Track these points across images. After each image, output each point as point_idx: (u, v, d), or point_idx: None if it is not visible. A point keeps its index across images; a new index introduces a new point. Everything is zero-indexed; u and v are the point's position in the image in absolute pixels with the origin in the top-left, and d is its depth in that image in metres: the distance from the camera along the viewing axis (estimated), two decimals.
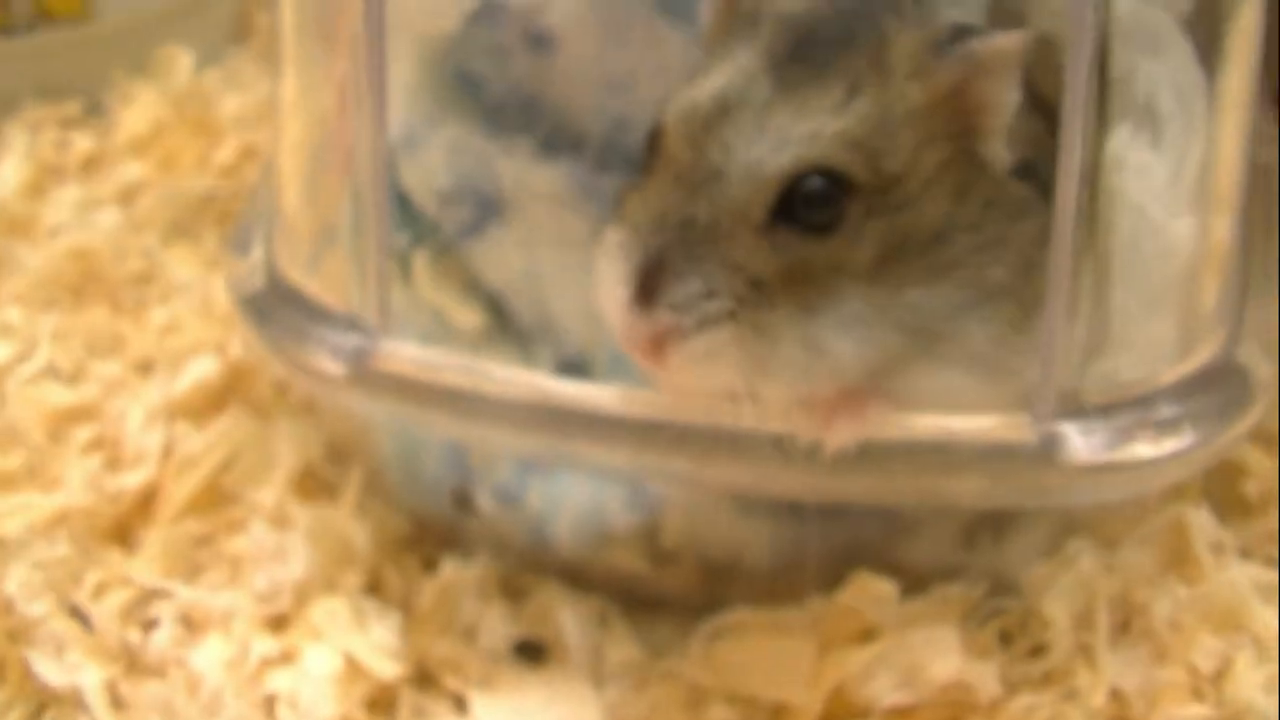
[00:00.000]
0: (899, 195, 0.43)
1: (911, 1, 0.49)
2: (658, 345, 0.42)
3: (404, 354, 0.49)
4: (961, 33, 0.45)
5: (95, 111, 0.85)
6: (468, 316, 0.53)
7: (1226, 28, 0.49)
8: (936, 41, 0.44)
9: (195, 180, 0.77)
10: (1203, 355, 0.48)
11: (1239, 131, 0.50)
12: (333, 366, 0.49)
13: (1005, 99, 0.44)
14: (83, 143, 0.82)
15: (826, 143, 0.42)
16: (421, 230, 0.54)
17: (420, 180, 0.53)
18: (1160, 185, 0.47)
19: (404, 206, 0.53)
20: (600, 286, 0.43)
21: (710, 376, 0.43)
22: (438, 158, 0.53)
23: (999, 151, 0.45)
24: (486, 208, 0.53)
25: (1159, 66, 0.48)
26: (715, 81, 0.44)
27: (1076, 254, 0.44)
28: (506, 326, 0.53)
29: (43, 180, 0.80)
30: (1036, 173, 0.46)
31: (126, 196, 0.77)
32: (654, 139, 0.45)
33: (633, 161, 0.51)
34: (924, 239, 0.44)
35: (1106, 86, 0.45)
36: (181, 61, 0.85)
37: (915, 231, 0.44)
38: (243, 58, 0.90)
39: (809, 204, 0.43)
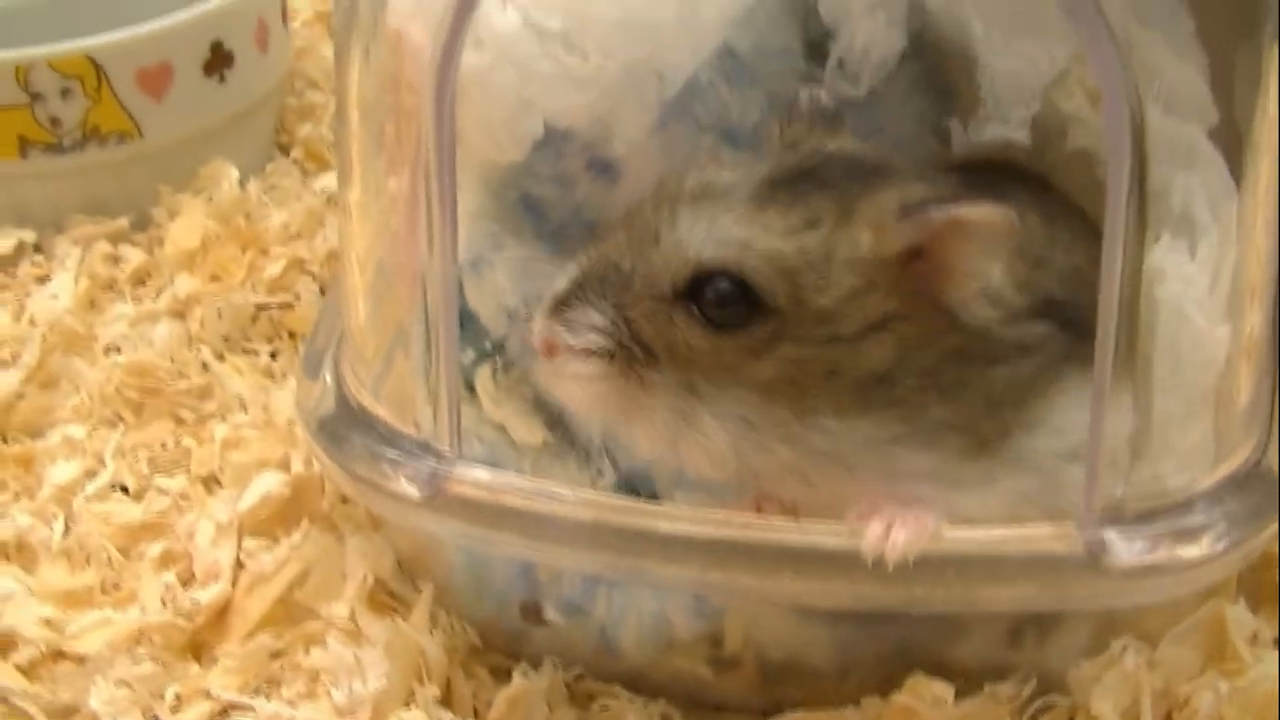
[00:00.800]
0: (827, 331, 0.46)
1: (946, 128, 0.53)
2: (548, 352, 0.47)
3: (477, 478, 0.51)
4: (933, 199, 0.46)
5: (143, 226, 0.88)
6: (531, 432, 0.55)
7: (1251, 133, 0.51)
8: (905, 203, 0.46)
9: (246, 293, 0.80)
10: (1236, 460, 0.50)
11: (1268, 236, 0.52)
12: (408, 491, 0.51)
13: (973, 266, 0.45)
14: (133, 257, 0.85)
15: (752, 255, 0.45)
16: (485, 348, 0.56)
17: (486, 300, 0.55)
18: (1201, 294, 0.49)
19: (467, 325, 0.55)
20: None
21: (583, 400, 0.48)
22: (503, 278, 0.55)
23: (975, 309, 0.46)
24: None
25: (1193, 178, 0.51)
26: (718, 173, 0.48)
27: (1119, 368, 0.46)
28: (569, 441, 0.56)
29: (96, 295, 0.83)
30: (1062, 308, 0.48)
31: (179, 310, 0.80)
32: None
33: None
34: (859, 376, 0.46)
35: (1145, 200, 0.46)
36: (227, 176, 0.87)
37: (847, 368, 0.46)
38: (284, 168, 0.93)
39: (714, 300, 0.46)
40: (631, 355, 0.47)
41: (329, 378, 0.57)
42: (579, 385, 0.48)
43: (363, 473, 0.53)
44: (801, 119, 0.49)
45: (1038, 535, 0.48)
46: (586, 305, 0.47)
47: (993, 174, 0.52)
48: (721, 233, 0.46)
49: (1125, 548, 0.47)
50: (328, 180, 0.89)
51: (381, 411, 0.54)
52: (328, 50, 1.07)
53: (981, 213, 0.45)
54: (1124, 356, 0.46)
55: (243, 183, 0.88)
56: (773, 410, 0.46)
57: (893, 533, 0.46)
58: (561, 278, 0.48)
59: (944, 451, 0.47)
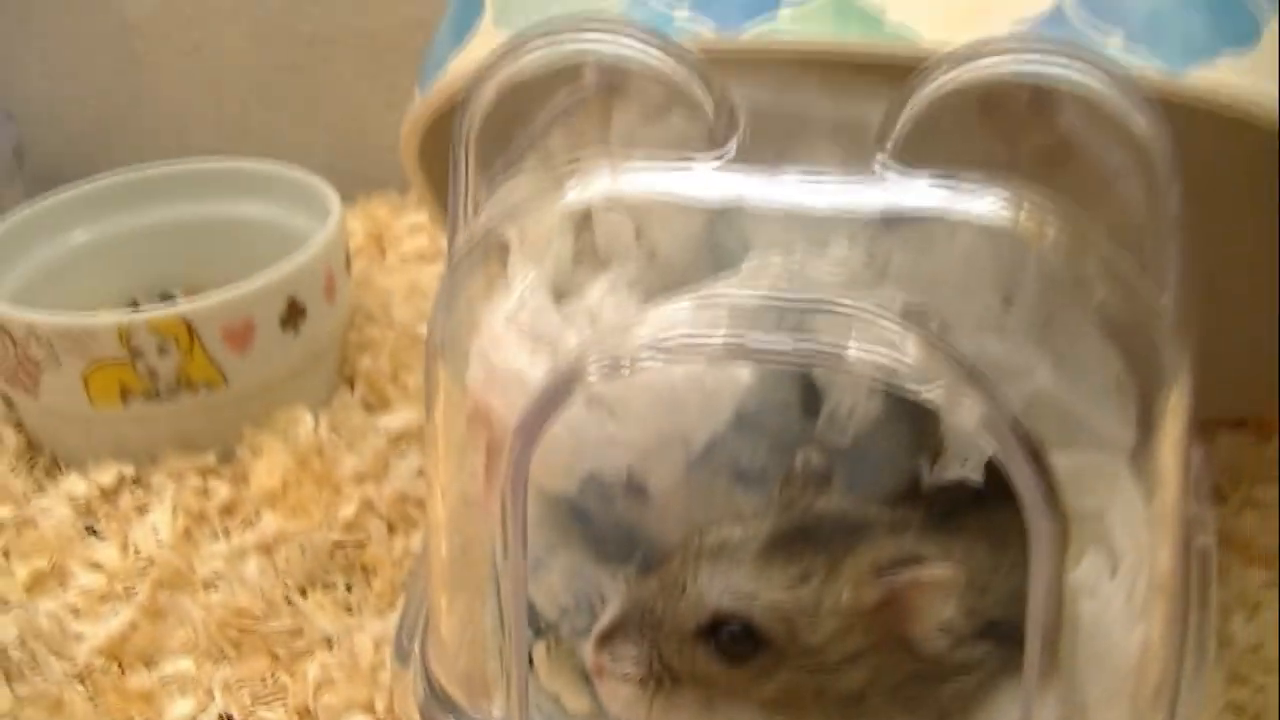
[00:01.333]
0: (815, 661, 0.58)
1: (918, 466, 0.66)
2: (598, 673, 0.60)
3: None
4: (903, 559, 0.58)
5: (228, 459, 1.01)
6: (579, 702, 0.68)
7: (1158, 456, 0.61)
8: (878, 563, 0.58)
9: (324, 532, 0.93)
10: None
11: (1172, 542, 0.65)
12: None
13: (930, 610, 0.57)
14: (221, 490, 0.98)
15: (759, 606, 0.57)
16: (541, 629, 0.69)
17: (542, 594, 0.67)
18: (1118, 607, 0.60)
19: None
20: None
21: (624, 711, 0.60)
22: (558, 580, 0.68)
23: (932, 642, 0.58)
24: (596, 615, 0.69)
25: (1113, 506, 0.63)
26: (734, 529, 0.60)
27: (1044, 680, 0.58)
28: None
29: (190, 527, 0.95)
30: (1001, 626, 0.59)
31: (267, 546, 0.92)
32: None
33: None
34: (840, 695, 0.58)
35: (1069, 525, 0.58)
36: (303, 421, 1.00)
37: (830, 689, 0.58)
38: (349, 403, 1.06)
39: (728, 639, 0.58)
40: (661, 679, 0.59)
41: (418, 661, 0.69)
42: (621, 700, 0.60)
43: None
44: (796, 480, 0.62)
45: None
46: (626, 640, 0.59)
47: (957, 497, 0.65)
48: (735, 587, 0.58)
49: None
50: (389, 420, 1.02)
51: (458, 694, 0.67)
52: (382, 279, 1.21)
53: (936, 574, 0.57)
54: (1049, 666, 0.57)
55: (315, 423, 1.01)
56: None
57: None
58: (606, 613, 0.61)
59: None
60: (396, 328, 1.14)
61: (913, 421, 0.66)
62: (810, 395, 0.66)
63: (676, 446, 0.64)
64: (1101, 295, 0.62)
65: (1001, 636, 0.60)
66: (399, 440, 1.00)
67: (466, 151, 0.62)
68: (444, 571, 0.69)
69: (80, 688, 0.83)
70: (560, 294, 0.67)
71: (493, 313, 0.66)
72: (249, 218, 1.17)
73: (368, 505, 0.94)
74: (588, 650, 0.61)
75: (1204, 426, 0.80)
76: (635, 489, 0.67)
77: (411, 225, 1.31)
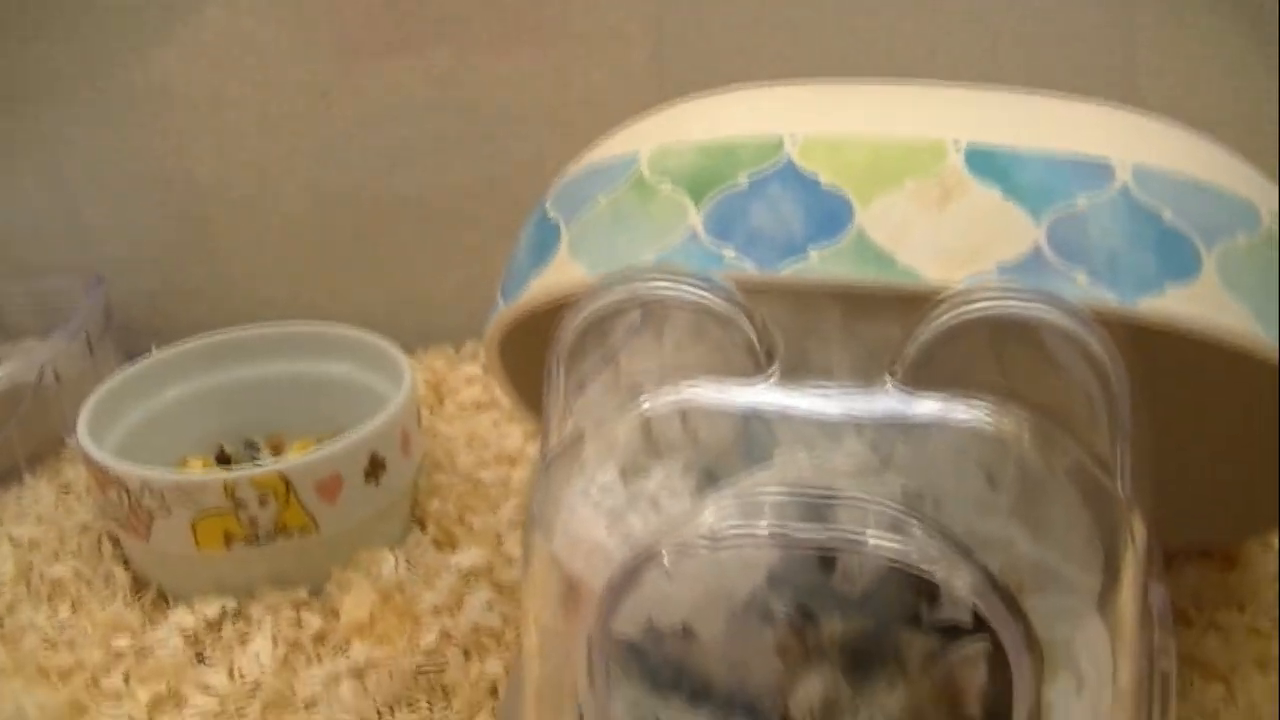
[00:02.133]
0: None
1: (919, 609, 0.80)
2: None
3: None
4: (949, 636, 0.73)
5: (318, 593, 1.15)
6: None
7: (1120, 598, 0.74)
8: (934, 649, 0.72)
9: (408, 658, 1.07)
10: None
11: (1132, 676, 0.79)
12: None
13: (977, 680, 0.71)
14: (313, 622, 1.12)
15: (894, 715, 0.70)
16: None
17: None
18: None
19: None
20: None
21: None
22: (622, 711, 0.82)
23: (975, 708, 0.72)
24: None
25: (1080, 635, 0.76)
26: (817, 687, 0.72)
27: None
28: None
29: (289, 655, 1.10)
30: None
31: (358, 671, 1.06)
32: None
33: (750, 710, 0.82)
34: None
35: (1044, 649, 0.71)
36: (385, 562, 1.15)
37: None
38: (422, 542, 1.20)
39: None
40: None
41: None
42: None
43: None
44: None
45: None
46: None
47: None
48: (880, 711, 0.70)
49: None
50: (460, 558, 1.17)
51: None
52: (443, 427, 1.35)
53: (976, 647, 0.70)
54: None
55: (395, 562, 1.15)
56: None
57: None
58: None
59: None
60: (460, 473, 1.29)
61: (911, 576, 0.80)
62: (827, 555, 0.80)
63: (721, 600, 0.78)
64: (1070, 478, 0.77)
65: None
66: (469, 576, 1.14)
67: (560, 366, 0.77)
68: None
69: None
70: (626, 476, 0.82)
71: (572, 491, 0.81)
72: (327, 376, 1.32)
73: (445, 635, 1.08)
74: None
75: (1172, 557, 0.94)
76: (687, 633, 0.81)
77: (467, 376, 1.46)
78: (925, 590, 0.80)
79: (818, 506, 0.69)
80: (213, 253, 1.60)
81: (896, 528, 0.68)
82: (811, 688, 0.73)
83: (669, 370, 0.77)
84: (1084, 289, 0.74)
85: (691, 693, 0.82)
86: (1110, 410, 0.75)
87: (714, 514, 0.70)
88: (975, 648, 0.72)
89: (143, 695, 1.06)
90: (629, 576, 0.71)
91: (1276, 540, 1.13)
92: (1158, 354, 0.78)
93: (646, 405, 0.76)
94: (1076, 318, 0.70)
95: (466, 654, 1.06)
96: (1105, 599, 0.77)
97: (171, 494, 1.11)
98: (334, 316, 1.34)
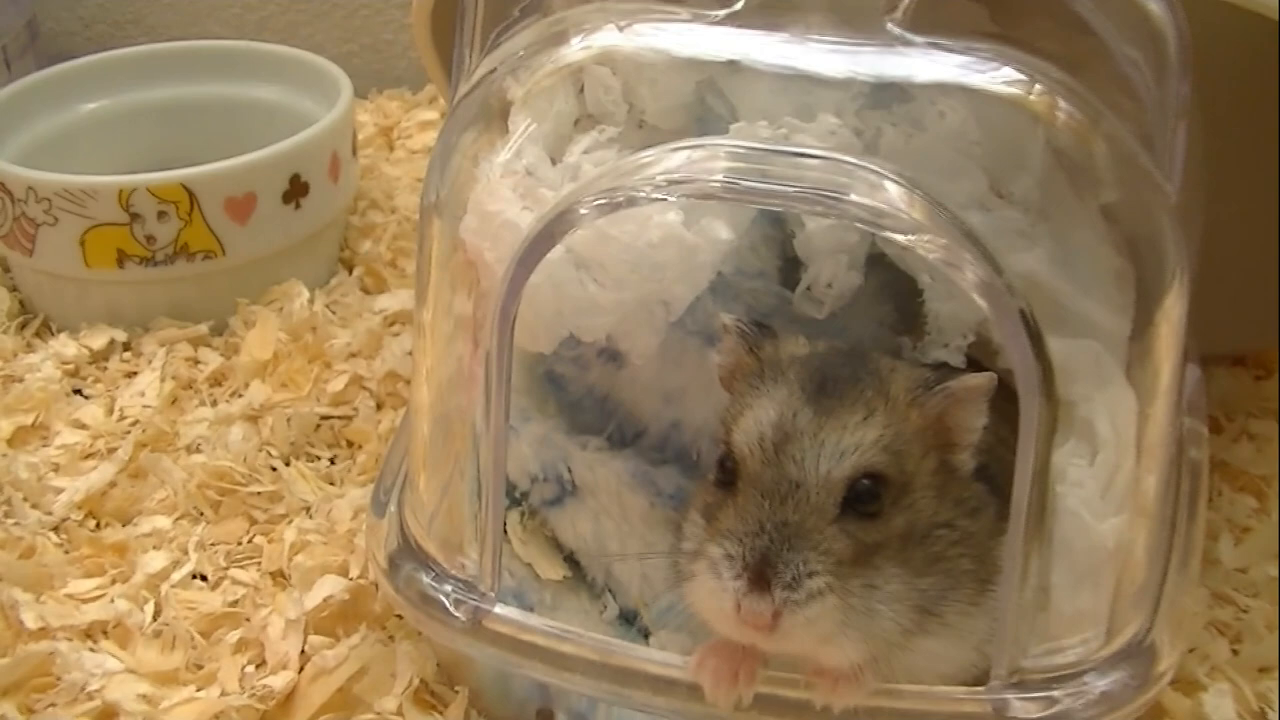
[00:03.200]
0: (910, 496, 0.57)
1: (899, 343, 0.65)
2: (775, 619, 0.54)
3: (510, 617, 0.63)
4: (945, 372, 0.59)
5: (220, 331, 1.00)
6: (552, 570, 0.68)
7: (1154, 350, 0.61)
8: (925, 379, 0.58)
9: (311, 404, 0.92)
10: (1124, 638, 0.61)
11: (1162, 445, 0.64)
12: (454, 622, 0.63)
13: (975, 423, 0.58)
14: (211, 360, 0.97)
15: (869, 452, 0.56)
16: (514, 498, 0.68)
17: (514, 463, 0.67)
18: (1091, 494, 0.59)
19: None
20: (707, 589, 0.55)
21: (813, 636, 0.55)
22: (528, 448, 0.67)
23: (966, 461, 0.59)
24: (564, 487, 0.68)
25: (1099, 395, 0.62)
26: (769, 414, 0.57)
27: (1027, 557, 0.57)
28: (582, 578, 0.68)
29: (178, 394, 0.95)
30: (990, 474, 0.59)
31: (252, 416, 0.91)
32: (724, 463, 0.58)
33: (684, 457, 0.67)
34: (920, 534, 0.57)
35: (1055, 417, 0.57)
36: (298, 295, 1.00)
37: (916, 527, 0.57)
38: (346, 284, 1.05)
39: (863, 498, 0.56)
40: (840, 575, 0.55)
41: (393, 515, 0.69)
42: (816, 625, 0.55)
43: (418, 603, 0.64)
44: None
45: (955, 694, 0.59)
46: (786, 566, 0.54)
47: None
48: (838, 451, 0.56)
49: (1022, 707, 0.59)
50: (385, 300, 1.02)
51: (434, 550, 0.66)
52: (388, 169, 1.20)
53: (980, 380, 0.57)
54: (1033, 545, 0.57)
55: (311, 299, 1.00)
56: (903, 576, 0.56)
57: (839, 687, 0.58)
58: (721, 573, 0.55)
59: (964, 603, 0.58)
60: (400, 214, 1.14)
61: (894, 301, 0.65)
62: (789, 267, 0.65)
63: (656, 310, 0.63)
64: (1107, 184, 0.61)
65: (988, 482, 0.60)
66: (394, 321, 0.99)
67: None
68: (427, 435, 0.68)
69: (54, 537, 0.83)
70: (558, 152, 0.66)
71: (490, 165, 0.65)
72: (258, 99, 1.16)
73: (357, 381, 0.93)
74: (743, 611, 0.54)
75: (1204, 362, 0.79)
76: (611, 355, 0.66)
77: (422, 122, 1.31)
78: (907, 322, 0.64)
79: (790, 159, 0.53)
80: None
81: (886, 192, 0.52)
82: (763, 413, 0.57)
83: (610, 13, 0.61)
84: None
85: (613, 434, 0.67)
86: (1164, 95, 0.59)
87: (656, 162, 0.54)
88: (978, 381, 0.57)
89: (4, 425, 0.92)
90: (543, 239, 0.56)
91: None
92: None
93: (578, 46, 0.60)
94: None
95: (379, 404, 0.92)
96: (1135, 350, 0.62)
97: (59, 201, 0.97)
98: None
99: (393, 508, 0.69)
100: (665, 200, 0.55)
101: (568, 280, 0.62)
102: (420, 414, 0.69)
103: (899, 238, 0.52)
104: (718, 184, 0.53)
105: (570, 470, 0.67)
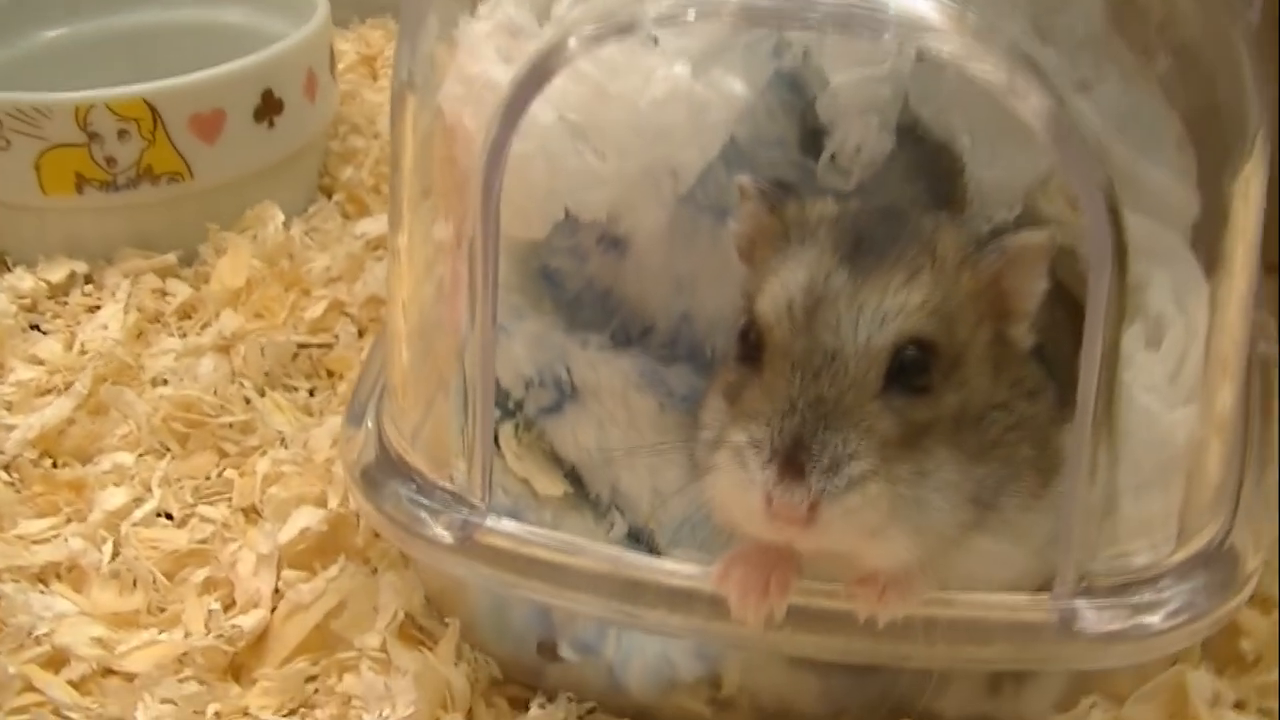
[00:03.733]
0: (962, 371, 0.49)
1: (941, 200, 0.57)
2: (812, 511, 0.46)
3: (505, 529, 0.55)
4: (998, 229, 0.52)
5: (190, 261, 0.93)
6: (551, 486, 0.60)
7: (1227, 237, 0.55)
8: (977, 236, 0.51)
9: (287, 332, 0.84)
10: (1201, 541, 0.54)
11: (1237, 332, 0.57)
12: (442, 538, 0.56)
13: (1035, 287, 0.50)
14: (180, 291, 0.90)
15: (916, 316, 0.48)
16: (507, 407, 0.61)
17: (506, 366, 0.59)
18: (1157, 380, 0.53)
19: None
20: (731, 481, 0.48)
21: (856, 530, 0.47)
22: (521, 349, 0.60)
23: (1024, 334, 0.51)
24: (563, 392, 0.60)
25: (1164, 274, 0.55)
26: (798, 277, 0.49)
27: (1095, 447, 0.50)
28: (585, 495, 0.60)
29: (144, 327, 0.87)
30: (1046, 356, 0.52)
31: (224, 346, 0.84)
32: (747, 335, 0.50)
33: (696, 354, 0.59)
34: (975, 415, 0.49)
35: (1124, 292, 0.50)
36: (272, 219, 0.92)
37: (970, 408, 0.49)
38: (326, 211, 0.98)
39: (910, 370, 0.48)
40: (887, 458, 0.47)
41: (370, 427, 0.61)
42: (859, 515, 0.47)
43: (400, 519, 0.57)
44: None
45: (1017, 603, 0.52)
46: (823, 449, 0.47)
47: None
48: (879, 315, 0.48)
49: (1094, 617, 0.51)
50: (367, 225, 0.94)
51: (418, 462, 0.59)
52: (371, 95, 1.13)
53: (1041, 236, 0.50)
54: (1101, 427, 0.50)
55: (287, 224, 0.93)
56: (957, 460, 0.49)
57: (886, 595, 0.50)
58: (748, 462, 0.47)
59: (1025, 495, 0.51)
60: (383, 139, 1.06)
61: (927, 179, 0.57)
62: (811, 135, 0.57)
63: (663, 180, 0.55)
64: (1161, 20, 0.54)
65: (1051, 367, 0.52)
66: (376, 246, 0.92)
67: None
68: (406, 334, 0.61)
69: (4, 475, 0.75)
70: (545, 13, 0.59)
71: (470, 26, 0.58)
72: (228, 24, 1.08)
73: (337, 306, 0.86)
74: (774, 501, 0.47)
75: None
76: (613, 241, 0.58)
77: None
78: (940, 204, 0.57)
79: None
80: None
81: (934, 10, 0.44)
82: (791, 276, 0.49)
83: None
84: None
85: (616, 331, 0.59)
86: None
87: None
88: (1038, 238, 0.50)
89: None
90: (530, 80, 0.48)
91: None
92: None
93: None
94: None
95: (361, 331, 0.85)
96: (1206, 228, 0.56)
97: (11, 122, 0.89)
98: None
99: (370, 422, 0.62)
100: (671, 26, 0.47)
101: (562, 151, 0.55)
102: (397, 336, 0.61)
103: (952, 56, 0.44)
104: (735, 6, 0.45)
105: (570, 372, 0.60)
